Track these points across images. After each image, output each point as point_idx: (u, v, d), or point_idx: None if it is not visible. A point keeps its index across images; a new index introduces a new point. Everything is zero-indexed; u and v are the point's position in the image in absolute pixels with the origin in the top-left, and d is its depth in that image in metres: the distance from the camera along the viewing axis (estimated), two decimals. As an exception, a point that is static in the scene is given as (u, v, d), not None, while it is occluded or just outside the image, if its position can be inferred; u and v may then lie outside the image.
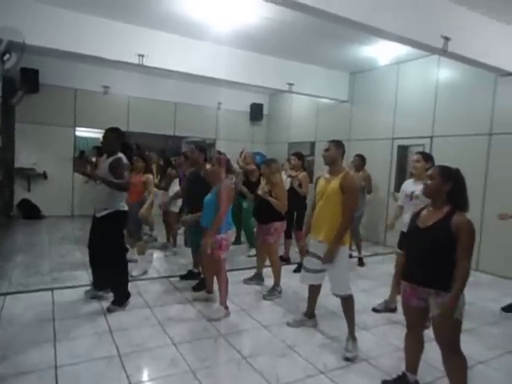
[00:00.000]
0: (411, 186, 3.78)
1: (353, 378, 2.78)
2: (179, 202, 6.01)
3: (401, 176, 7.00)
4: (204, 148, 4.79)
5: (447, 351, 2.30)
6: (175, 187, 6.15)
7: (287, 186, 5.21)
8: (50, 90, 8.20)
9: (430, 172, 2.44)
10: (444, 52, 4.59)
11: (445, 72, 6.43)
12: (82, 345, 3.01)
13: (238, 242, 6.56)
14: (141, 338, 3.19)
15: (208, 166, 4.13)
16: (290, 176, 5.52)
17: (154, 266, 5.29)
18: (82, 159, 8.42)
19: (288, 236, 5.51)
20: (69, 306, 3.76)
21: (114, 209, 3.60)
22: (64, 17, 5.28)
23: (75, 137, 8.91)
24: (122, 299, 3.78)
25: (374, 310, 4.04)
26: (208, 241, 3.55)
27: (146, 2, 5.09)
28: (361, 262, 5.90)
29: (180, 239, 6.06)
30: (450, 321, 2.20)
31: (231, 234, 3.82)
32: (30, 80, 7.77)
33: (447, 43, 4.51)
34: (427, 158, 3.75)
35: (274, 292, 4.33)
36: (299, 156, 5.65)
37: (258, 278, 4.73)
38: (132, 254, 4.95)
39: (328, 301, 3.77)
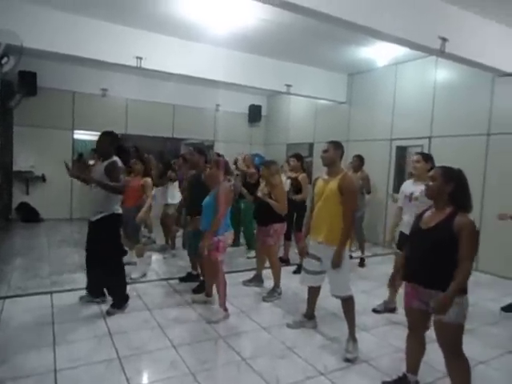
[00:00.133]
0: (410, 186, 3.77)
1: (353, 379, 2.77)
2: (177, 204, 6.02)
3: (399, 177, 7.01)
4: (203, 150, 4.78)
5: (449, 354, 2.29)
6: (174, 190, 6.17)
7: (287, 188, 5.20)
8: (48, 92, 8.19)
9: (431, 173, 2.43)
10: (441, 53, 4.60)
11: (442, 73, 6.45)
12: (81, 348, 3.00)
13: (236, 243, 6.56)
14: (140, 340, 3.18)
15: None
16: (289, 178, 5.52)
17: (153, 269, 5.28)
18: (80, 162, 8.42)
19: (287, 237, 5.51)
20: (68, 309, 3.75)
21: (109, 212, 3.59)
22: (62, 19, 5.27)
23: (73, 140, 8.91)
24: (121, 302, 3.76)
25: (374, 310, 4.04)
26: (205, 242, 3.56)
27: (144, 5, 5.09)
28: (362, 263, 5.90)
29: (179, 241, 6.05)
30: (443, 318, 2.19)
31: (229, 235, 3.81)
32: (27, 83, 7.76)
33: (445, 44, 4.52)
34: (427, 158, 3.75)
35: (274, 293, 4.32)
36: (298, 157, 5.64)
37: (257, 280, 4.72)
38: (131, 256, 4.95)
39: (328, 302, 3.76)
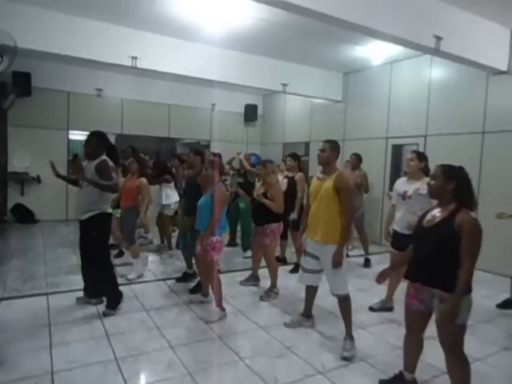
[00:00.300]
0: (404, 185, 3.77)
1: (351, 378, 2.78)
2: (173, 205, 6.00)
3: (395, 175, 7.01)
4: (200, 151, 4.78)
5: (450, 354, 2.28)
6: (170, 190, 6.12)
7: (284, 187, 5.20)
8: (42, 93, 8.14)
9: (433, 172, 2.43)
10: (436, 51, 4.63)
11: (437, 71, 6.48)
12: (78, 349, 2.99)
13: (233, 243, 6.55)
14: (137, 341, 3.17)
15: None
16: (286, 177, 5.51)
17: (149, 269, 5.27)
18: (76, 163, 8.36)
19: (283, 237, 5.50)
20: (64, 310, 3.73)
21: (98, 211, 3.59)
22: (56, 19, 5.24)
23: (69, 140, 8.86)
24: (112, 302, 3.75)
25: (371, 308, 4.05)
26: (202, 242, 3.57)
27: (139, 4, 5.07)
28: (367, 263, 5.85)
29: (175, 242, 6.03)
30: (452, 324, 2.15)
31: (225, 236, 3.82)
32: (22, 83, 7.71)
33: (439, 42, 4.54)
34: (421, 157, 3.76)
35: (271, 293, 4.33)
36: (295, 157, 5.62)
37: (253, 279, 4.72)
38: (128, 257, 4.93)
39: (325, 301, 3.78)
